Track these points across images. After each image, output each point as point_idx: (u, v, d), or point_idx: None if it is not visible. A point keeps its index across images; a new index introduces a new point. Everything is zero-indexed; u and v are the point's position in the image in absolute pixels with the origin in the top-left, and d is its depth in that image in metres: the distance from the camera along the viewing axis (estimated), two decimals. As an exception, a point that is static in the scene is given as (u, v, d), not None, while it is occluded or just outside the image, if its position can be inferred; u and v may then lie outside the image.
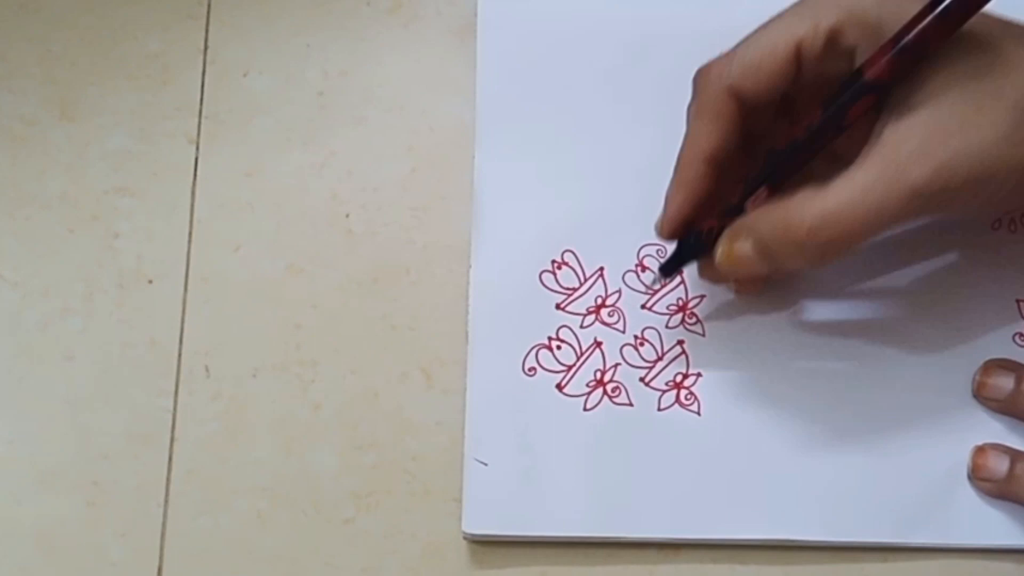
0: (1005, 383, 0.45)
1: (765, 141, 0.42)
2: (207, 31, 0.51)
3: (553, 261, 0.47)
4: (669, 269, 0.45)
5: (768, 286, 0.46)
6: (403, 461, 0.45)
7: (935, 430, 0.45)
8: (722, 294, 0.46)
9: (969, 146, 0.37)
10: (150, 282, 0.48)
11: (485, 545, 0.44)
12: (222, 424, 0.46)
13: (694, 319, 0.46)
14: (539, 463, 0.44)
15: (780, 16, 0.40)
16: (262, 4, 0.52)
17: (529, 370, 0.45)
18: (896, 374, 0.45)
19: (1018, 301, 0.47)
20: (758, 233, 0.40)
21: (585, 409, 0.45)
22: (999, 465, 0.44)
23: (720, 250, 0.41)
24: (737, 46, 0.41)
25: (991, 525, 0.44)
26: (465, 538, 0.44)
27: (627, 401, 0.45)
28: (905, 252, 0.47)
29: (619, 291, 0.47)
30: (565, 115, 0.49)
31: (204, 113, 0.50)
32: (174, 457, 0.46)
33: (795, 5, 0.40)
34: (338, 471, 0.45)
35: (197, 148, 0.50)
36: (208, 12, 0.51)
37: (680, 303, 0.46)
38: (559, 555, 0.44)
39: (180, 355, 0.47)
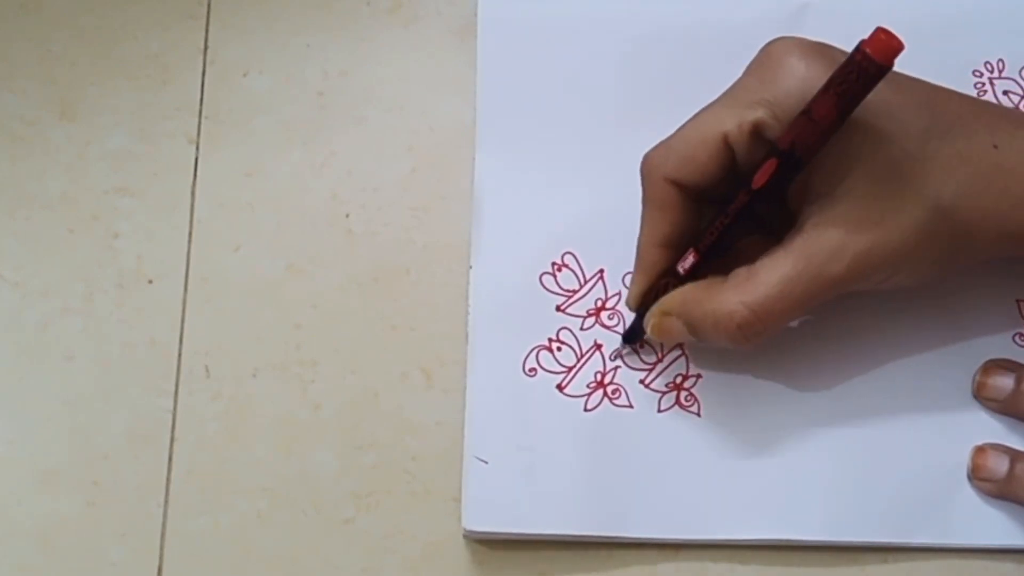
0: (1005, 383, 0.45)
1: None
2: (207, 31, 0.51)
3: (553, 263, 0.47)
4: (631, 337, 0.46)
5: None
6: (403, 461, 0.45)
7: (935, 430, 0.45)
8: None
9: (884, 241, 0.40)
10: (150, 282, 0.48)
11: (485, 545, 0.44)
12: (222, 424, 0.46)
13: (694, 320, 0.46)
14: (539, 463, 0.44)
15: (710, 108, 0.42)
16: (262, 4, 0.52)
17: (529, 371, 0.45)
18: (896, 374, 0.45)
19: (1018, 301, 0.47)
20: (689, 318, 0.42)
21: (585, 410, 0.45)
22: (999, 465, 0.44)
23: (651, 322, 0.43)
24: (673, 135, 0.43)
25: (991, 525, 0.44)
26: (465, 536, 0.44)
27: (627, 403, 0.45)
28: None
29: (619, 293, 0.46)
30: (565, 115, 0.49)
31: (204, 113, 0.50)
32: (174, 457, 0.46)
33: (724, 95, 0.42)
34: (338, 471, 0.45)
35: (197, 148, 0.50)
36: (208, 12, 0.51)
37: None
38: (559, 555, 0.44)
39: (180, 355, 0.47)
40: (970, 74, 0.49)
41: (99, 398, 0.46)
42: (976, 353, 0.46)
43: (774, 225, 0.42)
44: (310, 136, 0.50)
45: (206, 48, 0.51)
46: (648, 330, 0.44)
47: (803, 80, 0.39)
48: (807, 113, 0.38)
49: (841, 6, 0.49)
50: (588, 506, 0.44)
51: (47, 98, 0.50)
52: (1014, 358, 0.45)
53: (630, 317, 0.46)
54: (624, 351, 0.46)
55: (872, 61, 0.37)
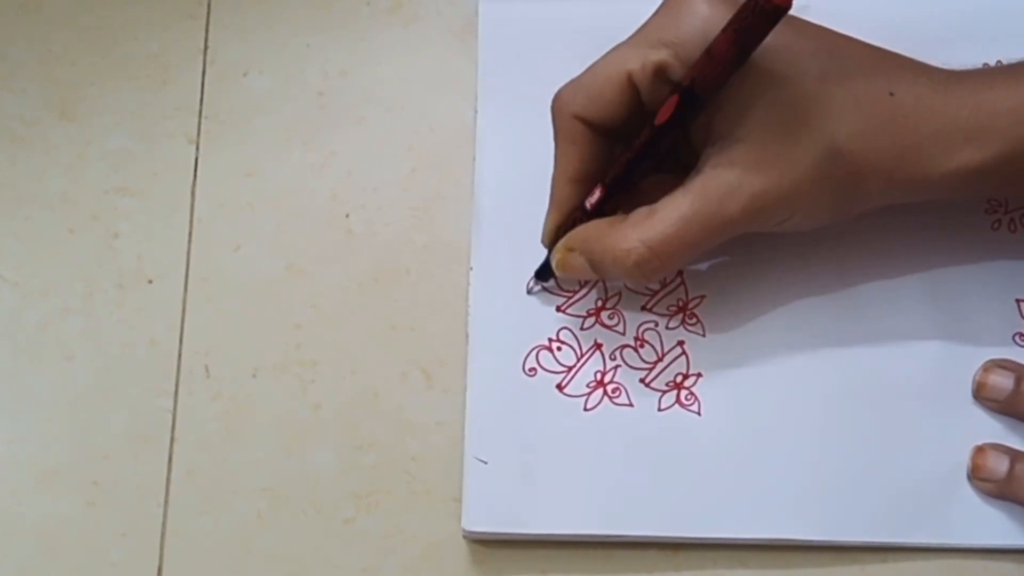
0: (1005, 383, 0.45)
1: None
2: (207, 31, 0.51)
3: (553, 262, 0.47)
4: (543, 274, 0.46)
5: (767, 287, 0.46)
6: (403, 461, 0.45)
7: (935, 430, 0.45)
8: (722, 295, 0.46)
9: (780, 181, 0.40)
10: (150, 282, 0.48)
11: (485, 545, 0.44)
12: (222, 424, 0.46)
13: (694, 319, 0.46)
14: (539, 462, 0.44)
15: (617, 48, 0.43)
16: (262, 4, 0.52)
17: (529, 370, 0.45)
18: (896, 374, 0.45)
19: (1018, 301, 0.47)
20: (589, 252, 0.43)
21: (585, 409, 0.45)
22: (999, 465, 0.44)
23: (555, 258, 0.44)
24: (582, 73, 0.43)
25: (991, 525, 0.44)
26: (465, 536, 0.44)
27: (627, 402, 0.45)
28: (905, 252, 0.47)
29: (619, 294, 0.47)
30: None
31: (204, 113, 0.50)
32: (174, 457, 0.46)
33: (633, 36, 0.43)
34: (338, 471, 0.45)
35: (197, 148, 0.50)
36: (208, 12, 0.51)
37: (680, 304, 0.46)
38: (559, 555, 0.44)
39: (180, 355, 0.47)
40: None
41: (99, 398, 0.46)
42: (976, 353, 0.46)
43: (680, 168, 0.43)
44: (310, 136, 0.50)
45: (206, 48, 0.51)
46: (553, 263, 0.44)
47: (706, 21, 0.40)
48: (708, 52, 0.39)
49: (841, 7, 0.49)
50: (588, 506, 0.44)
51: (47, 98, 0.50)
52: (1014, 358, 0.45)
53: (631, 316, 0.46)
54: (535, 287, 0.46)
55: (770, 1, 0.37)
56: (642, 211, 0.42)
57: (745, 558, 0.44)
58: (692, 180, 0.41)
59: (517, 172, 0.48)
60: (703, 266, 0.47)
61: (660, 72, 0.41)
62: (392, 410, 0.46)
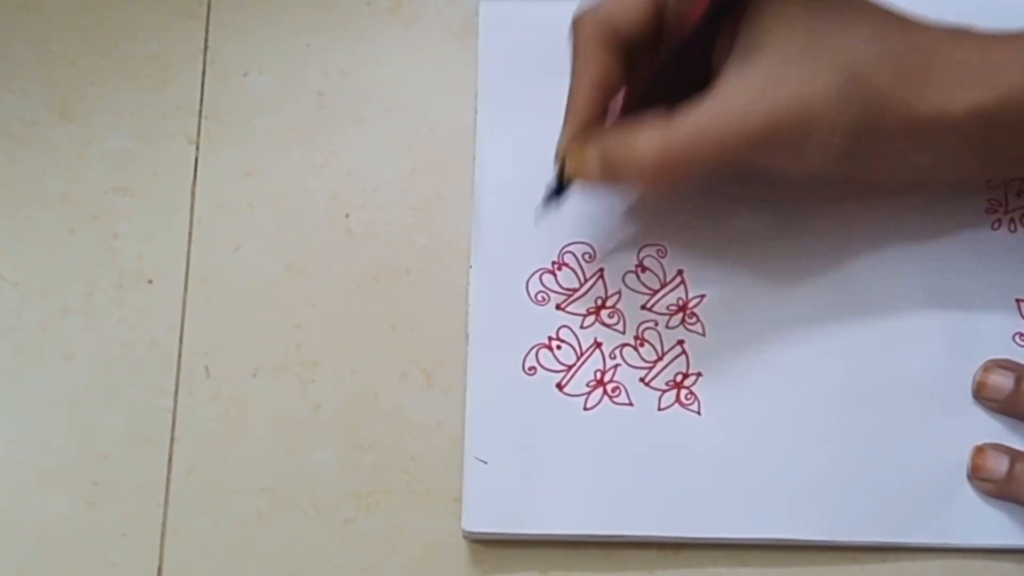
0: (1005, 383, 0.45)
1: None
2: (207, 31, 0.51)
3: (553, 262, 0.47)
4: (557, 191, 0.45)
5: (768, 287, 0.46)
6: (403, 461, 0.45)
7: (935, 430, 0.45)
8: (722, 295, 0.46)
9: (800, 97, 0.40)
10: (150, 282, 0.48)
11: (485, 545, 0.44)
12: (222, 424, 0.46)
13: (694, 319, 0.46)
14: (539, 462, 0.44)
15: None
16: (262, 4, 0.52)
17: (529, 369, 0.45)
18: (896, 374, 0.45)
19: (1018, 301, 0.47)
20: (605, 151, 0.42)
21: (585, 409, 0.45)
22: (999, 465, 0.44)
23: (571, 157, 0.44)
24: None
25: (991, 525, 0.44)
26: (465, 536, 0.44)
27: (627, 401, 0.45)
28: (905, 252, 0.47)
29: (619, 292, 0.47)
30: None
31: (204, 113, 0.50)
32: (174, 457, 0.46)
33: None
34: (338, 471, 0.45)
35: (197, 148, 0.50)
36: (208, 12, 0.51)
37: (680, 303, 0.46)
38: (559, 556, 0.44)
39: (180, 355, 0.47)
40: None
41: (99, 398, 0.46)
42: (976, 353, 0.46)
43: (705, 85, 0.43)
44: (310, 136, 0.50)
45: (206, 48, 0.51)
46: (568, 165, 0.44)
47: None
48: None
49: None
50: (588, 506, 0.44)
51: (47, 98, 0.50)
52: (1014, 358, 0.45)
53: (631, 315, 0.46)
54: (546, 208, 0.46)
55: None
56: (660, 113, 0.42)
57: (745, 558, 0.44)
58: (711, 90, 0.41)
59: (517, 172, 0.48)
60: (703, 266, 0.47)
61: None
62: (392, 410, 0.46)
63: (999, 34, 0.43)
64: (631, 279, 0.47)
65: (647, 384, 0.45)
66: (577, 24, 0.44)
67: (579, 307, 0.46)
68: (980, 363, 0.45)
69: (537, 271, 0.47)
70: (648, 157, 0.41)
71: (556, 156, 0.45)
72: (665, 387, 0.45)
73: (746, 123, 0.40)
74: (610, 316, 0.46)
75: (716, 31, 0.41)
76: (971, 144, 0.42)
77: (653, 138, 0.41)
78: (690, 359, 0.46)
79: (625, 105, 0.43)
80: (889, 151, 0.42)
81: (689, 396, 0.45)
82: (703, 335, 0.46)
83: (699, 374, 0.46)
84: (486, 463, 0.44)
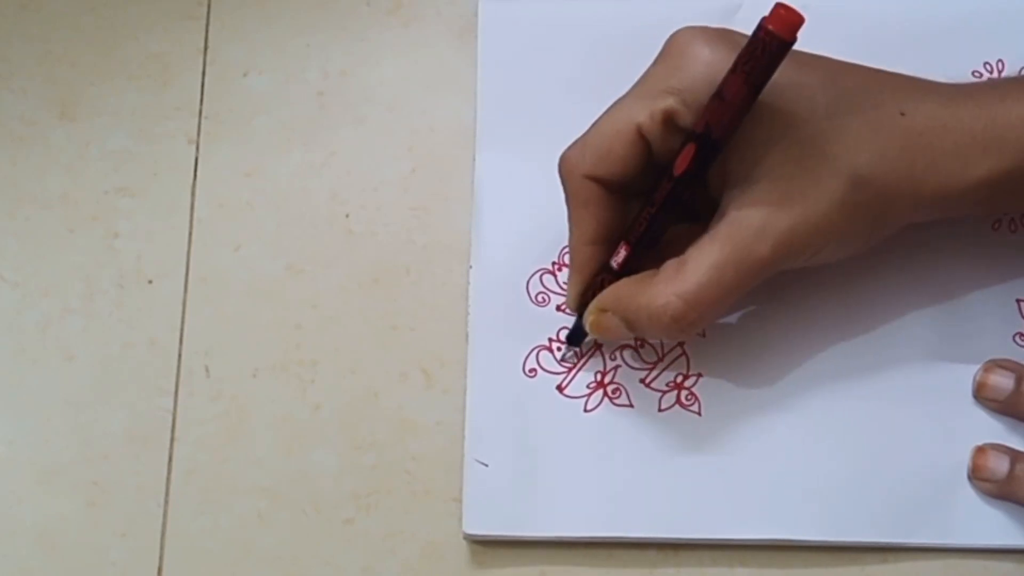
0: (1005, 383, 0.45)
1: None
2: (207, 31, 0.51)
3: (553, 262, 0.47)
4: (575, 339, 0.45)
5: (767, 289, 0.46)
6: (403, 461, 0.45)
7: (935, 430, 0.45)
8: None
9: (806, 217, 0.40)
10: (150, 282, 0.48)
11: (485, 545, 0.44)
12: (222, 424, 0.46)
13: (694, 319, 0.46)
14: (539, 464, 0.44)
15: (621, 101, 0.42)
16: (262, 4, 0.52)
17: (529, 371, 0.45)
18: (896, 374, 0.45)
19: (1018, 301, 0.47)
20: (624, 313, 0.42)
21: (586, 410, 0.45)
22: (999, 465, 0.44)
23: (590, 320, 0.44)
24: (587, 131, 0.43)
25: (991, 525, 0.44)
26: (465, 538, 0.44)
27: (628, 402, 0.45)
28: (905, 253, 0.47)
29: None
30: (565, 115, 0.49)
31: (204, 113, 0.50)
32: (174, 457, 0.46)
33: (634, 87, 0.42)
34: (338, 471, 0.45)
35: (197, 148, 0.50)
36: (208, 12, 0.51)
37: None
38: (559, 555, 0.44)
39: (180, 355, 0.47)
40: (970, 74, 0.49)
41: (99, 398, 0.46)
42: (976, 353, 0.46)
43: (701, 214, 0.42)
44: (310, 136, 0.50)
45: (206, 48, 0.51)
46: (587, 328, 0.44)
47: (709, 65, 0.40)
48: (719, 95, 0.39)
49: (840, 8, 0.49)
50: (588, 507, 0.44)
51: (47, 98, 0.50)
52: (1014, 358, 0.45)
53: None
54: (569, 353, 0.46)
55: (775, 37, 0.37)
56: (671, 264, 0.41)
57: (745, 558, 0.44)
58: (717, 226, 0.41)
59: (517, 172, 0.48)
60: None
61: (669, 120, 0.41)
62: (392, 410, 0.46)
63: (999, 85, 0.42)
64: (631, 280, 0.47)
65: (647, 385, 0.45)
66: (565, 172, 0.43)
67: (566, 353, 0.46)
68: (980, 363, 0.45)
69: (537, 271, 0.47)
70: (671, 316, 0.40)
71: (567, 306, 0.45)
72: (665, 388, 0.45)
73: (758, 252, 0.40)
74: (610, 316, 0.46)
75: (711, 163, 0.40)
76: (979, 206, 0.42)
77: (670, 292, 0.40)
78: (690, 360, 0.46)
79: (627, 260, 0.43)
80: (900, 225, 0.42)
81: (689, 397, 0.45)
82: (703, 336, 0.46)
83: (699, 375, 0.46)
84: (486, 466, 0.44)
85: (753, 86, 0.38)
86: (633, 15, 0.50)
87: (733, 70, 0.38)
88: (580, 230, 0.43)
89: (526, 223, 0.47)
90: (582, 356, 0.46)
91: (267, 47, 0.51)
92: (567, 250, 0.47)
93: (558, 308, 0.46)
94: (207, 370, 0.47)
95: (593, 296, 0.43)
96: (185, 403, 0.46)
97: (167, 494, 0.45)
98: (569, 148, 0.43)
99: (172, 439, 0.46)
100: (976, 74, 0.49)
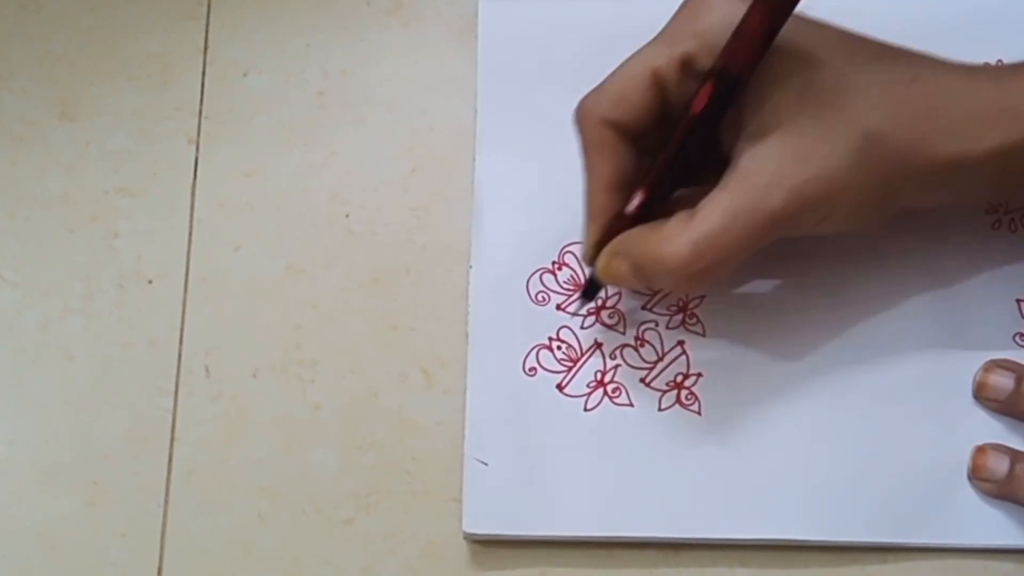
0: (1005, 383, 0.45)
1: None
2: (207, 31, 0.51)
3: (553, 262, 0.47)
4: (589, 292, 0.45)
5: (767, 288, 0.46)
6: (403, 461, 0.45)
7: (935, 430, 0.45)
8: (722, 295, 0.46)
9: (819, 171, 0.40)
10: (150, 282, 0.48)
11: (485, 545, 0.44)
12: (222, 424, 0.46)
13: (694, 319, 0.46)
14: (540, 463, 0.44)
15: (640, 49, 0.43)
16: (262, 4, 0.52)
17: (529, 370, 0.45)
18: (896, 374, 0.45)
19: (1018, 301, 0.47)
20: (633, 258, 0.42)
21: (586, 409, 0.45)
22: (999, 465, 0.44)
23: (599, 264, 0.43)
24: (605, 78, 0.43)
25: (991, 525, 0.44)
26: (465, 538, 0.44)
27: (628, 402, 0.45)
28: (905, 252, 0.47)
29: (619, 293, 0.47)
30: (566, 115, 0.49)
31: (204, 113, 0.50)
32: (174, 457, 0.46)
33: (655, 38, 0.43)
34: (338, 471, 0.45)
35: (197, 148, 0.50)
36: (208, 12, 0.51)
37: (680, 303, 0.46)
38: (559, 555, 0.44)
39: (180, 355, 0.47)
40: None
41: (99, 398, 0.46)
42: (976, 353, 0.46)
43: (713, 177, 0.42)
44: (310, 136, 0.50)
45: (206, 48, 0.51)
46: (597, 272, 0.44)
47: (727, 15, 0.40)
48: (738, 32, 0.39)
49: (840, 7, 0.49)
50: (588, 507, 0.44)
51: (47, 98, 0.50)
52: (1014, 358, 0.45)
53: (631, 316, 0.46)
54: (580, 308, 0.46)
55: None
56: (683, 214, 0.41)
57: (745, 558, 0.44)
58: (729, 176, 0.41)
59: (517, 172, 0.48)
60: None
61: (687, 64, 0.41)
62: (392, 410, 0.46)
63: (1016, 65, 0.42)
64: (631, 279, 0.47)
65: (647, 385, 0.45)
66: (581, 118, 0.43)
67: (579, 307, 0.46)
68: (980, 363, 0.45)
69: (537, 271, 0.47)
70: (678, 262, 0.40)
71: (583, 258, 0.45)
72: (665, 387, 0.45)
73: (769, 207, 0.40)
74: (610, 316, 0.46)
75: (728, 103, 0.40)
76: (991, 179, 0.42)
77: (679, 241, 0.40)
78: (690, 360, 0.46)
79: (643, 205, 0.42)
80: (912, 198, 0.42)
81: (689, 396, 0.45)
82: (703, 335, 0.46)
83: (699, 375, 0.46)
84: (486, 465, 0.44)
85: (772, 21, 0.38)
86: (633, 15, 0.50)
87: (753, 6, 0.39)
88: (595, 176, 0.43)
89: (526, 223, 0.47)
90: (596, 312, 0.46)
91: (267, 47, 0.51)
92: (567, 249, 0.47)
93: (558, 307, 0.46)
94: (207, 370, 0.47)
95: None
96: (185, 403, 0.46)
97: (167, 494, 0.45)
98: (586, 96, 0.43)
99: (172, 439, 0.46)
100: (976, 74, 0.49)
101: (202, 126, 0.50)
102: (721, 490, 0.44)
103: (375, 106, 0.50)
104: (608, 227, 0.43)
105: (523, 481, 0.44)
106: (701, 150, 0.42)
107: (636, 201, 0.42)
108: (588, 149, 0.43)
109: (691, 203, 0.41)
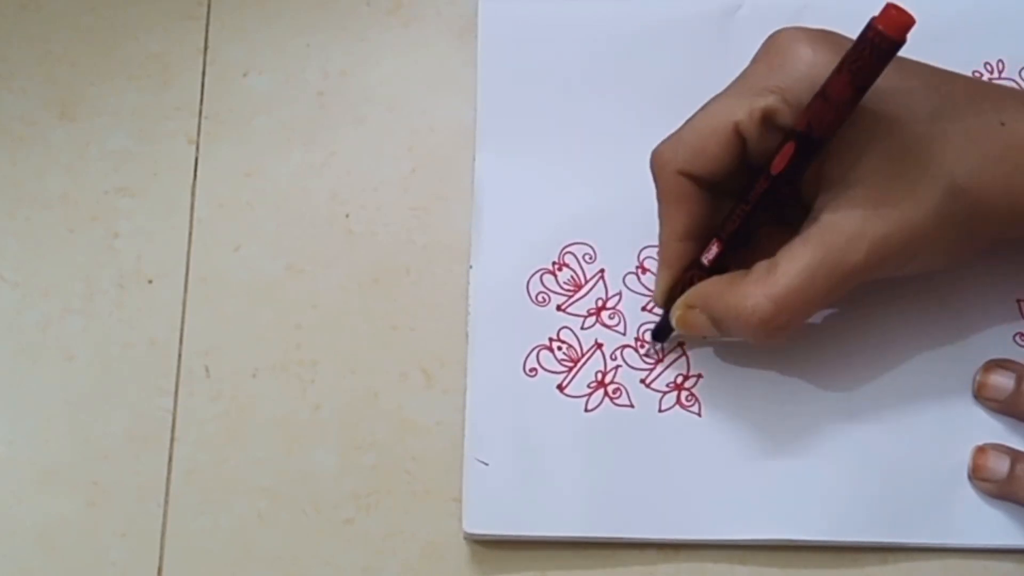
0: (1005, 383, 0.45)
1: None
2: (207, 31, 0.51)
3: (553, 262, 0.47)
4: (661, 335, 0.46)
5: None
6: (403, 461, 0.45)
7: (935, 430, 0.45)
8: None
9: (901, 225, 0.39)
10: (150, 282, 0.48)
11: (485, 545, 0.44)
12: (222, 424, 0.46)
13: (694, 319, 0.46)
14: (540, 464, 0.44)
15: (719, 98, 0.42)
16: (262, 4, 0.52)
17: (530, 371, 0.45)
18: (896, 374, 0.45)
19: (1018, 301, 0.47)
20: (712, 312, 0.42)
21: (586, 410, 0.45)
22: (999, 465, 0.44)
23: (676, 315, 0.44)
24: (682, 127, 0.43)
25: (991, 525, 0.44)
26: (465, 538, 0.44)
27: (628, 402, 0.45)
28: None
29: (619, 293, 0.47)
30: (565, 115, 0.49)
31: (204, 113, 0.50)
32: (174, 457, 0.46)
33: (733, 85, 0.42)
34: (338, 471, 0.45)
35: (197, 148, 0.50)
36: (208, 12, 0.51)
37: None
38: (559, 555, 0.44)
39: (180, 355, 0.47)
40: (970, 74, 0.49)
41: (99, 398, 0.46)
42: (976, 353, 0.46)
43: (793, 218, 0.42)
44: (310, 136, 0.50)
45: (206, 48, 0.51)
46: (673, 323, 0.44)
47: (811, 66, 0.40)
48: (822, 94, 0.39)
49: (840, 6, 0.49)
50: (588, 507, 0.44)
51: (47, 98, 0.50)
52: (1014, 358, 0.45)
53: (631, 316, 0.46)
54: (657, 347, 0.46)
55: (885, 37, 0.37)
56: (762, 266, 0.41)
57: (745, 558, 0.44)
58: (810, 229, 0.40)
59: (517, 172, 0.48)
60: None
61: (768, 119, 0.40)
62: (392, 410, 0.46)
63: None
64: (632, 280, 0.47)
65: (648, 386, 0.45)
66: (657, 167, 0.43)
67: (580, 308, 0.46)
68: (980, 363, 0.45)
69: (537, 271, 0.47)
70: (760, 319, 0.40)
71: (656, 301, 0.45)
72: (666, 389, 0.45)
73: (851, 258, 0.40)
74: (611, 317, 0.46)
75: (809, 163, 0.40)
76: None
77: (760, 294, 0.40)
78: (690, 361, 0.46)
79: (718, 257, 0.43)
80: (999, 234, 0.42)
81: (690, 398, 0.45)
82: (703, 336, 0.46)
83: (700, 376, 0.46)
84: (487, 464, 0.44)
85: (858, 87, 0.38)
86: (633, 15, 0.50)
87: (839, 70, 0.38)
88: (671, 226, 0.43)
89: (526, 223, 0.47)
90: (665, 353, 0.46)
91: (267, 47, 0.51)
92: (567, 249, 0.47)
93: (558, 308, 0.46)
94: (207, 370, 0.47)
95: (681, 292, 0.43)
96: (185, 403, 0.46)
97: (167, 494, 0.45)
98: (663, 143, 0.43)
99: (172, 439, 0.46)
100: (976, 74, 0.49)
101: (202, 126, 0.50)
102: (721, 491, 0.44)
103: (375, 106, 0.50)
104: (681, 274, 0.43)
105: (523, 481, 0.44)
106: (778, 203, 0.41)
107: (712, 254, 0.43)
108: (664, 199, 0.43)
109: (769, 250, 0.41)
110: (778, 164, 0.40)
